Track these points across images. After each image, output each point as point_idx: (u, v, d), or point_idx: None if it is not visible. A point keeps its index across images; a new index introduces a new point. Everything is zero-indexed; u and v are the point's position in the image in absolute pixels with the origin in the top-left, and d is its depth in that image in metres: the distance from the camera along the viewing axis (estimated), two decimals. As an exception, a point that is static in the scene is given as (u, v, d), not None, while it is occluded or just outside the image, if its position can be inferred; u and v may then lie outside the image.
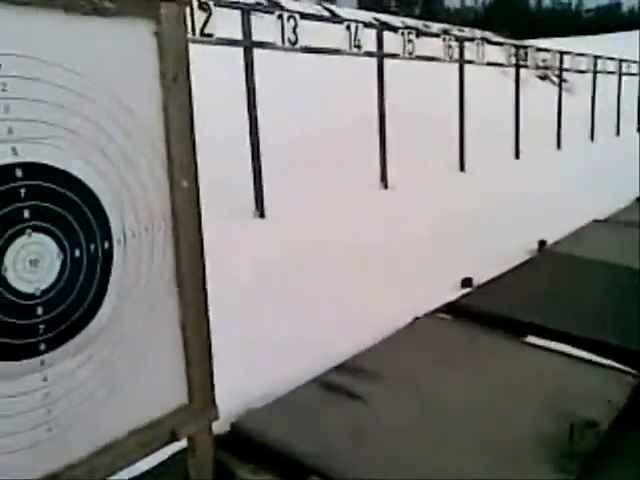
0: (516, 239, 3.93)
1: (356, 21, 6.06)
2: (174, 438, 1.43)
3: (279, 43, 5.29)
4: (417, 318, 2.57)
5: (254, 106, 5.19)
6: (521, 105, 8.48)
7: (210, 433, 1.54)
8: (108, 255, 1.24)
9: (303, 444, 1.68)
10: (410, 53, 6.35)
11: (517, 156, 8.42)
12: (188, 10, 5.25)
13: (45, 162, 1.11)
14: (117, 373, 1.30)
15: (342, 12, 13.59)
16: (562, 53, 9.79)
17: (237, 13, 5.19)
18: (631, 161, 6.90)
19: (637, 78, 12.02)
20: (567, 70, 9.89)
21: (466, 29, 17.25)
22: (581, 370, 2.11)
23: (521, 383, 2.03)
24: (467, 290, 3.01)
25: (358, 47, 5.81)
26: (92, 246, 1.21)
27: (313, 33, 5.64)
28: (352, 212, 4.83)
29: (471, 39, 8.04)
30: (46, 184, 1.11)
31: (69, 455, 1.22)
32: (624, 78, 11.82)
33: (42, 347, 1.14)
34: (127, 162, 1.25)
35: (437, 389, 2.00)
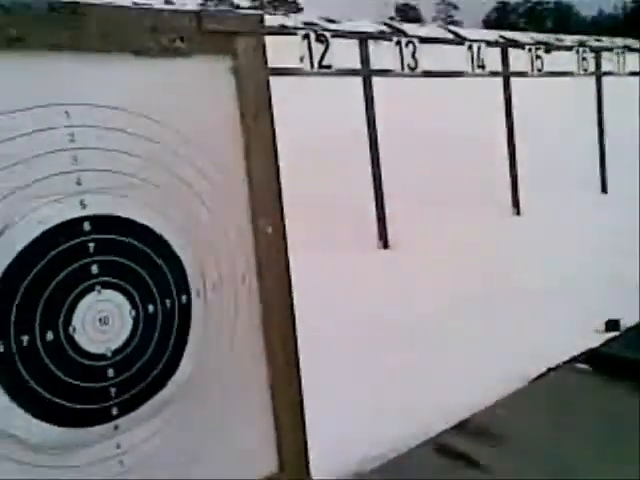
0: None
1: (478, 40, 5.80)
2: (263, 509, 1.31)
3: (398, 70, 5.17)
4: (550, 369, 2.28)
5: (374, 135, 5.10)
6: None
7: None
8: (186, 310, 1.15)
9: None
10: (539, 70, 5.97)
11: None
12: (305, 43, 5.29)
13: (115, 214, 1.04)
14: (198, 439, 1.20)
15: (466, 33, 13.28)
16: None
17: (347, 43, 5.13)
18: None
19: None
20: None
21: (604, 38, 16.18)
22: None
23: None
24: (612, 334, 2.65)
25: (482, 67, 5.55)
26: (168, 301, 1.13)
27: (433, 56, 5.47)
28: (482, 242, 4.55)
29: (609, 49, 7.46)
30: (116, 237, 1.05)
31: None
32: None
33: (114, 411, 1.07)
34: (206, 210, 1.17)
35: (571, 458, 1.72)
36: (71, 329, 1.00)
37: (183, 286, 1.15)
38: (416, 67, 5.20)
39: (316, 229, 4.60)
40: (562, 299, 3.14)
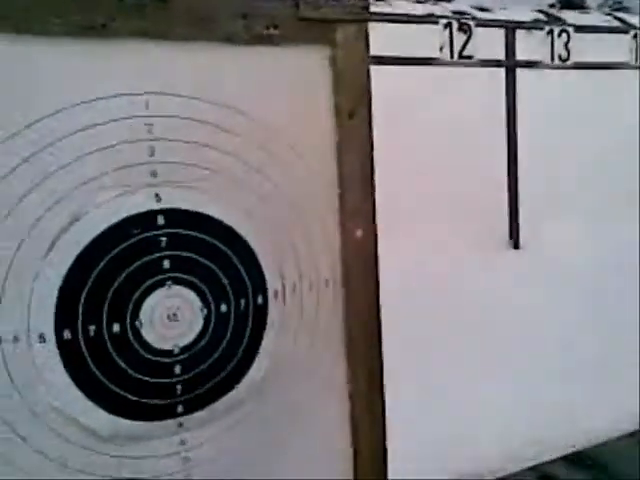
0: None
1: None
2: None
3: (547, 61, 4.81)
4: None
5: (514, 131, 4.81)
6: None
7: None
8: (261, 311, 1.10)
9: None
10: None
11: None
12: (447, 33, 5.07)
13: (191, 209, 1.01)
14: (267, 442, 1.15)
15: (635, 20, 12.17)
16: None
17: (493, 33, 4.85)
18: None
19: None
20: None
21: None
22: None
23: None
24: None
25: (645, 60, 5.01)
26: (242, 301, 1.08)
27: (590, 46, 5.02)
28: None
29: None
30: (191, 232, 1.01)
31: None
32: None
33: (179, 409, 1.04)
34: (289, 209, 1.11)
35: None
36: (138, 323, 0.98)
37: (260, 286, 1.10)
38: (568, 58, 4.81)
39: (444, 227, 4.44)
40: None
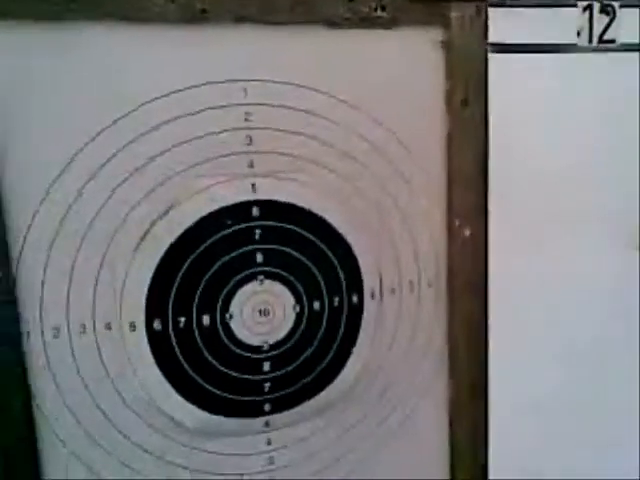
0: None
1: None
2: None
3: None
4: None
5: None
6: None
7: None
8: (357, 311, 1.05)
9: None
10: None
11: None
12: (586, 16, 4.76)
13: (289, 201, 0.97)
14: (359, 448, 1.10)
15: None
16: None
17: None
18: None
19: None
20: None
21: None
22: None
23: None
24: None
25: None
26: (336, 299, 1.03)
27: None
28: None
29: None
30: (285, 225, 0.97)
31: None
32: None
33: (267, 407, 1.01)
34: (392, 205, 1.04)
35: None
36: (228, 316, 0.96)
37: (355, 285, 1.04)
38: None
39: (569, 228, 4.14)
40: None
